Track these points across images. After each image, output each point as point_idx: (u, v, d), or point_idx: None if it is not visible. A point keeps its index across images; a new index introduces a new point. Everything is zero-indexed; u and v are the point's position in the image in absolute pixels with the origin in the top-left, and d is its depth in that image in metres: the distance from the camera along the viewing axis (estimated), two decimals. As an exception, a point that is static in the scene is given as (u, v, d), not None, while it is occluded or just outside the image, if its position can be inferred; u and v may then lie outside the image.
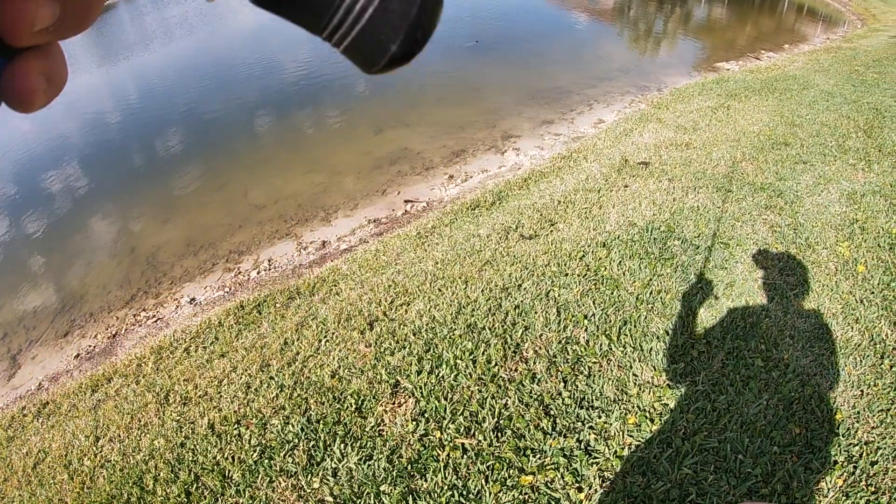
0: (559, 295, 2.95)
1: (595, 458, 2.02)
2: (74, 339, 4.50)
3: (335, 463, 2.14)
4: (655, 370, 2.40)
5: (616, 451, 2.04)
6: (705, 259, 3.17)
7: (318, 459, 2.17)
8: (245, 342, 3.25)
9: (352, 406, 2.41)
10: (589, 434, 2.12)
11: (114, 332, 4.42)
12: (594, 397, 2.29)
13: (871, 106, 5.68)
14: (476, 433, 2.17)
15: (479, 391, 2.36)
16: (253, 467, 2.20)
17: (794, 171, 4.23)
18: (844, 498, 1.85)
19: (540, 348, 2.58)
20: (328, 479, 2.08)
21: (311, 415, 2.40)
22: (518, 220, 4.09)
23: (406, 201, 5.76)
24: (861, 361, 2.40)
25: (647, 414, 2.19)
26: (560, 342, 2.60)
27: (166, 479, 2.28)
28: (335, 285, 3.74)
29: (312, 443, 2.25)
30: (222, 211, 6.14)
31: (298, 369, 2.76)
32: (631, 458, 2.01)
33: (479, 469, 2.01)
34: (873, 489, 1.87)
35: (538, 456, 2.04)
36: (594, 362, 2.47)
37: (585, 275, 3.12)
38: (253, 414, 2.51)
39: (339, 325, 3.09)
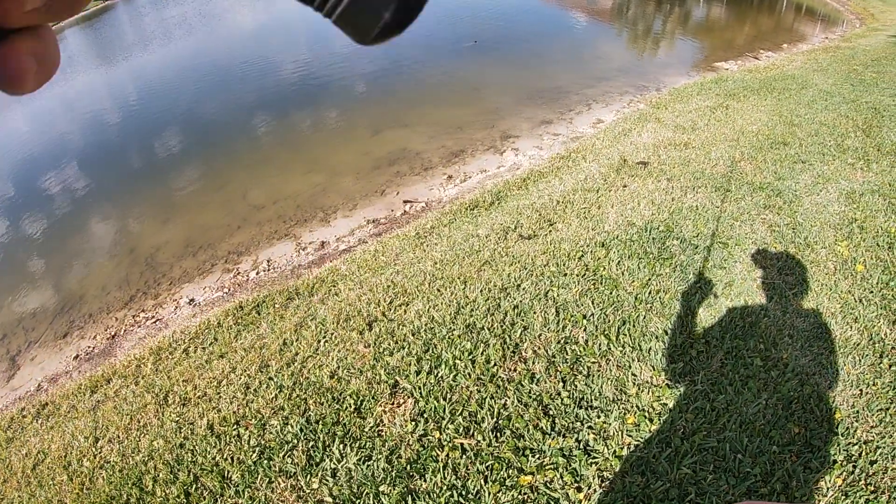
0: (558, 295, 2.95)
1: (594, 457, 2.02)
2: (73, 340, 4.50)
3: (334, 463, 2.14)
4: (654, 370, 2.40)
5: (615, 451, 2.04)
6: (704, 259, 3.17)
7: (318, 460, 2.17)
8: (244, 343, 3.24)
9: (351, 406, 2.41)
10: (588, 434, 2.12)
11: (113, 333, 4.42)
12: (593, 397, 2.29)
13: (869, 105, 5.68)
14: (475, 433, 2.17)
15: (478, 391, 2.36)
16: (252, 468, 2.20)
17: (792, 171, 4.23)
18: (844, 497, 1.85)
19: (539, 348, 2.58)
20: (327, 480, 2.08)
21: (310, 415, 2.40)
22: (517, 220, 4.09)
23: (405, 202, 5.76)
24: (860, 360, 2.40)
25: (646, 414, 2.19)
26: (559, 342, 2.60)
27: (165, 480, 2.27)
28: (334, 286, 3.74)
29: (311, 443, 2.25)
30: (221, 211, 6.14)
31: (297, 370, 2.76)
32: (630, 457, 2.01)
33: (478, 469, 2.01)
34: (872, 488, 1.87)
35: (537, 456, 2.04)
36: (593, 362, 2.47)
37: (584, 275, 3.12)
38: (252, 414, 2.51)
39: (338, 325, 3.09)
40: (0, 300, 5.19)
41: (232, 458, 2.29)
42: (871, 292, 2.82)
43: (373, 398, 2.43)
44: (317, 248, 5.09)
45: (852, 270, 3.00)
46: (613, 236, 3.50)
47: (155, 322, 4.41)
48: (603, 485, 1.92)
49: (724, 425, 2.11)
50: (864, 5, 14.49)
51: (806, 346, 2.51)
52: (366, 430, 2.27)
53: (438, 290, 3.23)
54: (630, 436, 2.10)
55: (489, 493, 1.91)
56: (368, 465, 2.09)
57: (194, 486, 2.21)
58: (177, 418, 2.66)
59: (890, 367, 2.36)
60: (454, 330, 2.79)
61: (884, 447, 2.00)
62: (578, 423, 2.17)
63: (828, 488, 1.88)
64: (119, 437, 2.67)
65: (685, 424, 2.12)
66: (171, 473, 2.30)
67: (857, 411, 2.16)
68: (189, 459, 2.35)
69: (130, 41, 19.44)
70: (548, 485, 1.93)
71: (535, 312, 2.83)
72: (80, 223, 6.53)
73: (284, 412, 2.46)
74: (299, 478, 2.11)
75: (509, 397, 2.31)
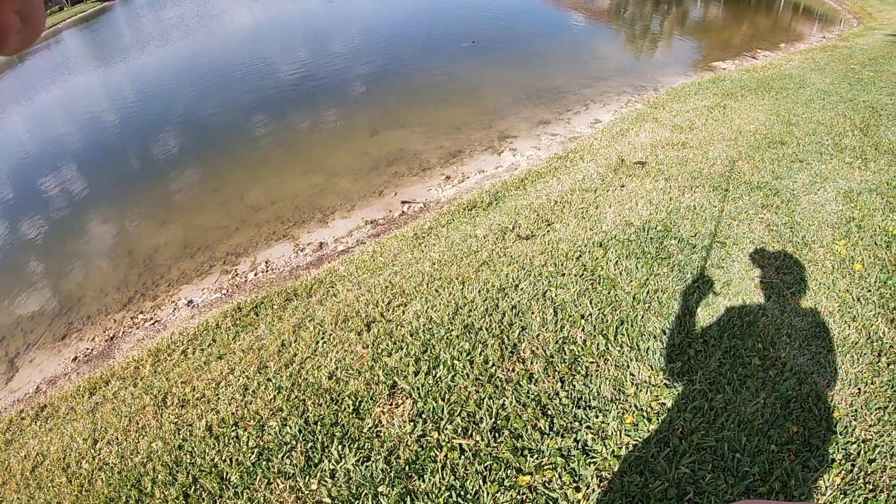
0: (556, 295, 2.95)
1: (592, 457, 2.02)
2: (72, 342, 4.50)
3: (333, 464, 2.14)
4: (652, 369, 2.40)
5: (613, 451, 2.04)
6: (702, 258, 3.18)
7: (316, 461, 2.17)
8: (242, 344, 3.24)
9: (349, 407, 2.41)
10: (586, 434, 2.12)
11: (111, 335, 4.41)
12: (591, 397, 2.29)
13: (867, 104, 5.69)
14: (473, 434, 2.17)
15: (477, 392, 2.36)
16: (251, 469, 2.20)
17: (790, 170, 4.24)
18: (842, 496, 1.85)
19: (537, 348, 2.58)
20: (326, 481, 2.07)
21: (308, 416, 2.40)
22: (515, 220, 4.09)
23: (403, 202, 5.76)
24: (858, 359, 2.40)
25: (645, 413, 2.19)
26: (557, 342, 2.60)
27: (164, 482, 2.27)
28: (332, 287, 3.74)
29: (310, 444, 2.25)
30: (219, 212, 6.13)
31: (296, 371, 2.76)
32: (628, 457, 2.01)
33: (476, 469, 2.01)
34: (871, 487, 1.87)
35: (536, 456, 2.04)
36: (591, 362, 2.47)
37: (582, 275, 3.12)
38: (250, 416, 2.50)
39: (337, 326, 3.09)
40: (-2, 302, 5.18)
41: (230, 460, 2.28)
42: (869, 291, 2.83)
43: (371, 399, 2.43)
44: (315, 249, 5.09)
45: (850, 269, 3.01)
46: (611, 236, 3.50)
47: (153, 324, 4.40)
48: (601, 484, 1.92)
49: (722, 424, 2.11)
50: (862, 4, 14.51)
51: (804, 345, 2.51)
52: (364, 430, 2.27)
53: (436, 291, 3.23)
54: (628, 435, 2.10)
55: (488, 494, 1.91)
56: (367, 466, 2.09)
57: (193, 487, 2.21)
58: (175, 420, 2.66)
59: (888, 365, 2.36)
60: (452, 330, 2.79)
61: (882, 446, 2.00)
62: (577, 423, 2.17)
63: (826, 487, 1.88)
64: (118, 438, 2.67)
65: (683, 424, 2.12)
66: (169, 475, 2.30)
67: (856, 410, 2.16)
68: (188, 461, 2.35)
69: (128, 42, 19.42)
70: (546, 485, 1.93)
71: (533, 313, 2.83)
72: (78, 225, 6.53)
73: (283, 413, 2.46)
74: (298, 479, 2.11)
75: (507, 397, 2.31)
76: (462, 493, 1.94)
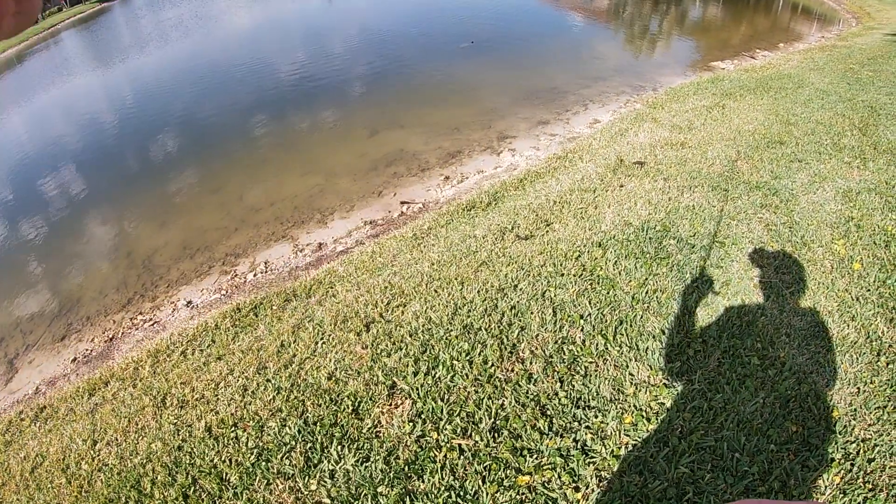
0: (555, 295, 2.95)
1: (592, 457, 2.02)
2: (71, 343, 4.49)
3: (332, 465, 2.13)
4: (652, 369, 2.40)
5: (613, 451, 2.04)
6: (701, 258, 3.18)
7: (316, 461, 2.17)
8: (242, 345, 3.24)
9: (348, 408, 2.40)
10: (585, 434, 2.11)
11: (110, 336, 4.41)
12: (590, 397, 2.29)
13: (865, 104, 5.70)
14: (473, 434, 2.16)
15: (476, 392, 2.36)
16: (250, 470, 2.20)
17: (789, 170, 4.24)
18: (842, 495, 1.85)
19: (536, 348, 2.58)
20: (325, 481, 2.07)
21: (307, 417, 2.40)
22: (514, 220, 4.09)
23: (402, 203, 5.76)
24: (857, 359, 2.41)
25: (644, 413, 2.19)
26: (556, 342, 2.60)
27: (164, 483, 2.27)
28: (331, 287, 3.74)
29: (309, 445, 2.25)
30: (218, 213, 6.13)
31: (295, 371, 2.76)
32: (628, 457, 2.01)
33: (476, 470, 2.01)
34: (871, 486, 1.87)
35: (535, 456, 2.04)
36: (590, 362, 2.47)
37: (581, 275, 3.12)
38: (250, 416, 2.50)
39: (336, 327, 3.09)
40: (-3, 303, 5.18)
41: (230, 460, 2.28)
42: (868, 290, 2.83)
43: (370, 399, 2.43)
44: (314, 250, 5.08)
45: (849, 269, 3.01)
46: (610, 236, 3.50)
47: (152, 324, 4.40)
48: (601, 484, 1.92)
49: (721, 424, 2.11)
50: (861, 4, 14.53)
51: (803, 344, 2.51)
52: (364, 431, 2.27)
53: (436, 291, 3.23)
54: (628, 435, 2.10)
55: (487, 494, 1.91)
56: (366, 467, 2.09)
57: (192, 488, 2.21)
58: (175, 421, 2.65)
59: (887, 365, 2.36)
60: (451, 331, 2.79)
61: (882, 445, 2.00)
62: (576, 423, 2.17)
63: (826, 487, 1.88)
64: (117, 439, 2.67)
65: (683, 424, 2.12)
66: (169, 476, 2.30)
67: (855, 409, 2.16)
68: (187, 462, 2.34)
69: (127, 43, 19.42)
70: (545, 485, 1.93)
71: (532, 313, 2.83)
72: (77, 226, 6.52)
73: (282, 414, 2.45)
74: (297, 479, 2.11)
75: (507, 398, 2.31)
76: (461, 493, 1.94)
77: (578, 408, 2.24)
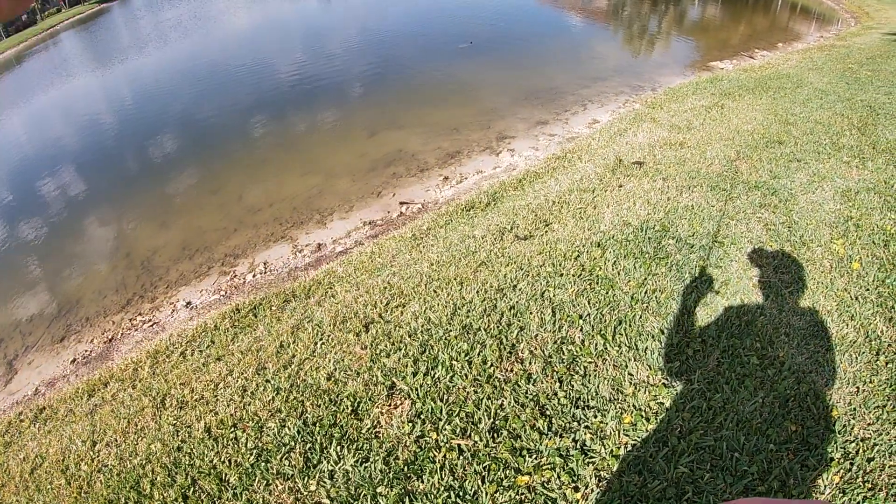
0: (554, 295, 2.95)
1: (591, 457, 2.02)
2: (71, 343, 4.49)
3: (332, 465, 2.13)
4: (651, 369, 2.40)
5: (612, 451, 2.04)
6: (700, 258, 3.18)
7: (315, 462, 2.17)
8: (241, 345, 3.24)
9: (348, 408, 2.40)
10: (585, 434, 2.12)
11: (110, 337, 4.41)
12: (590, 397, 2.29)
13: (864, 103, 5.70)
14: (472, 434, 2.16)
15: (475, 392, 2.36)
16: (249, 470, 2.20)
17: (788, 170, 4.24)
18: (841, 495, 1.85)
19: (535, 349, 2.58)
20: (325, 482, 2.07)
21: (307, 417, 2.40)
22: (513, 220, 4.09)
23: (401, 203, 5.76)
24: (856, 358, 2.41)
25: (643, 413, 2.19)
26: (555, 342, 2.60)
27: (163, 484, 2.27)
28: (331, 288, 3.74)
29: (309, 445, 2.25)
30: (218, 214, 6.13)
31: (294, 372, 2.76)
32: (627, 457, 2.01)
33: (475, 470, 2.01)
34: (870, 486, 1.87)
35: (534, 456, 2.04)
36: (589, 362, 2.47)
37: (580, 275, 3.12)
38: (249, 417, 2.50)
39: (335, 327, 3.09)
40: (-4, 305, 5.17)
41: (229, 461, 2.28)
42: (868, 290, 2.83)
43: (370, 400, 2.43)
44: (313, 251, 5.08)
45: (848, 268, 3.01)
46: (609, 236, 3.50)
47: (152, 325, 4.40)
48: (600, 484, 1.92)
49: (720, 424, 2.11)
50: (859, 3, 14.54)
51: (802, 344, 2.51)
52: (363, 431, 2.27)
53: (435, 292, 3.23)
54: (627, 435, 2.10)
55: (486, 494, 1.91)
56: (366, 467, 2.09)
57: (192, 489, 2.21)
58: (174, 421, 2.65)
59: (886, 364, 2.36)
60: (451, 331, 2.79)
61: (881, 444, 2.00)
62: (575, 423, 2.17)
63: (825, 486, 1.88)
64: (117, 440, 2.66)
65: (682, 423, 2.12)
66: (168, 477, 2.30)
67: (854, 409, 2.16)
68: (186, 462, 2.34)
69: (126, 44, 19.41)
70: (545, 485, 1.93)
71: (531, 313, 2.83)
72: (76, 227, 6.52)
73: (281, 414, 2.45)
74: (297, 480, 2.11)
75: (506, 398, 2.31)
76: (461, 493, 1.94)
77: (578, 408, 2.24)
